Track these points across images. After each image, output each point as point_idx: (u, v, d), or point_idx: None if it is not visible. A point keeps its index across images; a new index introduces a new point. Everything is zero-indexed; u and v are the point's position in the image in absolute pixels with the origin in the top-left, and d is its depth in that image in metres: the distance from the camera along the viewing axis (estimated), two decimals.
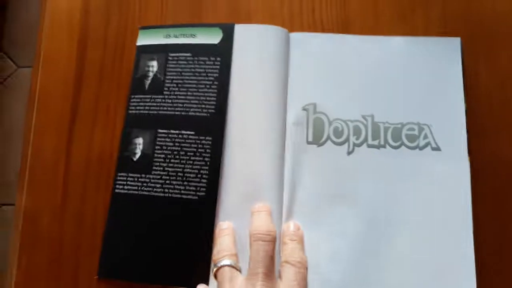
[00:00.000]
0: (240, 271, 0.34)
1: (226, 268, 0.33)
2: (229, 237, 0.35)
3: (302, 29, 0.41)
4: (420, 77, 0.38)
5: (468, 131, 0.36)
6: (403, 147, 0.37)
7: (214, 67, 0.39)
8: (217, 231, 0.36)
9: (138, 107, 0.40)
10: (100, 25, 0.43)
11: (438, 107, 0.37)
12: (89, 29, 0.43)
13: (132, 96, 0.40)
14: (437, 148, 0.36)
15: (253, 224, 0.35)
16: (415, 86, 0.38)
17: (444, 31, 0.40)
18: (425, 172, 0.36)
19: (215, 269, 0.34)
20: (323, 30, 0.41)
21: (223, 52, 0.40)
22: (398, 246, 0.34)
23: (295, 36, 0.40)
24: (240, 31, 0.40)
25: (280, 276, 0.33)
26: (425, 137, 0.36)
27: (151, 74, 0.41)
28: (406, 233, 0.35)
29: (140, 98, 0.40)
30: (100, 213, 0.38)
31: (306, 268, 0.34)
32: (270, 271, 0.32)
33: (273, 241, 0.34)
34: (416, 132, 0.37)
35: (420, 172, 0.36)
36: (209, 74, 0.39)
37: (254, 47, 0.40)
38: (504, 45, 0.39)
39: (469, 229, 0.34)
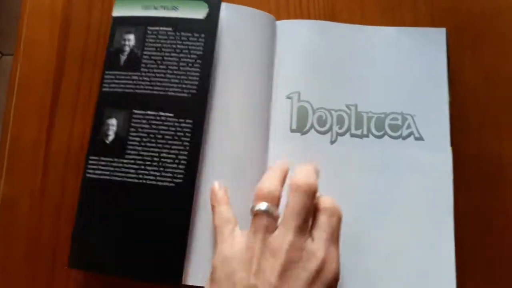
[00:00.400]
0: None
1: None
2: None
3: (288, 19, 0.40)
4: (405, 67, 0.38)
5: (452, 125, 0.36)
6: (386, 136, 0.36)
7: (197, 44, 0.36)
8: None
9: (112, 85, 0.37)
10: (83, 12, 0.42)
11: (422, 97, 0.37)
12: (72, 16, 0.41)
13: (106, 72, 0.37)
14: (420, 138, 0.36)
15: (296, 175, 0.31)
16: (400, 76, 0.38)
17: (431, 24, 0.40)
18: (408, 161, 0.36)
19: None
20: None
21: (208, 29, 0.36)
22: (379, 235, 0.34)
23: (282, 24, 0.39)
24: (227, 10, 0.37)
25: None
26: (408, 127, 0.36)
27: (127, 49, 0.37)
28: (388, 222, 0.35)
29: (115, 75, 0.37)
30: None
31: (340, 218, 0.30)
32: (305, 223, 0.30)
33: (313, 196, 0.30)
34: (399, 122, 0.37)
35: (402, 161, 0.36)
36: (191, 52, 0.36)
37: (240, 29, 0.37)
38: (490, 40, 0.40)
39: (450, 220, 0.34)
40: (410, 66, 0.38)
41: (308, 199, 0.30)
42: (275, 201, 0.30)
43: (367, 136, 0.36)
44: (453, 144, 0.36)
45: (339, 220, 0.30)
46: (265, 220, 0.29)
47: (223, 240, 0.31)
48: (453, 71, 0.38)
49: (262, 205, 0.30)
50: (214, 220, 0.33)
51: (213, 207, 0.34)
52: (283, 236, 0.29)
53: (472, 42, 0.40)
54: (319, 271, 0.28)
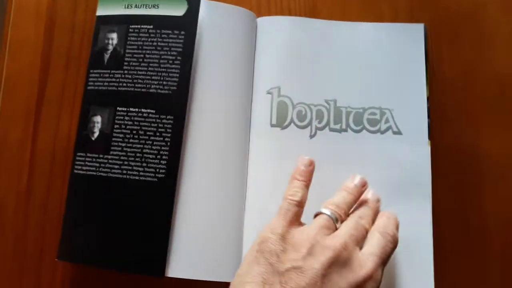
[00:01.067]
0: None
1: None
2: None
3: (269, 16, 0.41)
4: (384, 62, 0.38)
5: (430, 117, 0.37)
6: (364, 131, 0.37)
7: (177, 41, 0.37)
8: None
9: (97, 83, 0.37)
10: (67, 11, 0.42)
11: (400, 92, 0.37)
12: (56, 15, 0.42)
13: (91, 71, 0.38)
14: (398, 132, 0.36)
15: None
16: (378, 71, 0.38)
17: (410, 20, 0.40)
18: (386, 155, 0.36)
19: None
20: None
21: (187, 26, 0.37)
22: None
23: (262, 20, 0.40)
24: (206, 7, 0.38)
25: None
26: (387, 121, 0.37)
27: (110, 47, 0.38)
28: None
29: (99, 73, 0.38)
30: (66, 197, 0.37)
31: (395, 247, 0.31)
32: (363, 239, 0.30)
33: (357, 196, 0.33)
34: (377, 117, 0.37)
35: (381, 155, 0.36)
36: (172, 49, 0.37)
37: (220, 26, 0.38)
38: (468, 34, 0.40)
39: (428, 211, 0.35)
40: (389, 61, 0.38)
41: (350, 198, 0.32)
42: (339, 214, 0.31)
43: (345, 130, 0.37)
44: (430, 137, 0.36)
45: (394, 249, 0.30)
46: (326, 220, 0.30)
47: (283, 218, 0.30)
48: (431, 65, 0.39)
49: (327, 210, 0.31)
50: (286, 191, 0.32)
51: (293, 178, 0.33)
52: (338, 237, 0.29)
53: (450, 36, 0.40)
54: (362, 283, 0.28)
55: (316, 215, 0.31)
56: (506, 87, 0.39)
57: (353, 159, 0.36)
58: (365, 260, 0.29)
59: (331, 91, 0.37)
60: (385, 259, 0.30)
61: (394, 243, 0.30)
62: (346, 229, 0.30)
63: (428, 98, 0.37)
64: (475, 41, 0.40)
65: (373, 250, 0.29)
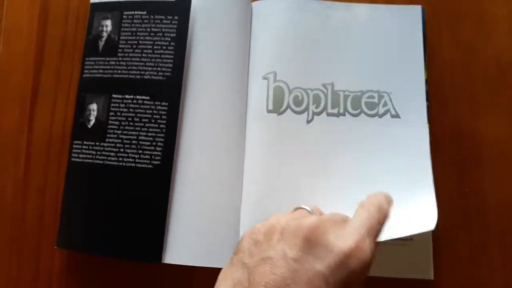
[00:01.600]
0: None
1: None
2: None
3: None
4: (382, 45, 0.37)
5: (429, 101, 0.36)
6: (362, 114, 0.36)
7: (171, 26, 0.36)
8: None
9: (92, 71, 0.37)
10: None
11: (398, 75, 0.36)
12: (51, 2, 0.42)
13: (86, 59, 0.38)
14: (397, 116, 0.36)
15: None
16: (376, 54, 0.37)
17: (410, 2, 0.39)
18: (385, 139, 0.35)
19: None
20: None
21: (180, 11, 0.36)
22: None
23: (257, 4, 0.39)
24: None
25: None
26: (385, 104, 0.36)
27: (105, 35, 0.38)
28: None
29: (94, 61, 0.37)
30: (63, 184, 0.37)
31: (383, 218, 0.27)
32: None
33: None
34: (375, 100, 0.36)
35: (379, 139, 0.35)
36: (165, 35, 0.36)
37: (215, 11, 0.37)
38: (468, 17, 0.39)
39: (432, 195, 0.33)
40: (387, 44, 0.37)
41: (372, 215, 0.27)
42: (318, 211, 0.30)
43: (343, 114, 0.36)
44: (430, 120, 0.35)
45: (382, 221, 0.27)
46: (303, 212, 0.29)
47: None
48: (430, 48, 0.38)
49: (307, 206, 0.29)
50: None
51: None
52: (313, 217, 0.26)
53: (449, 18, 0.39)
54: (344, 260, 0.24)
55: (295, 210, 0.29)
56: (507, 69, 0.38)
57: (351, 144, 0.35)
58: (345, 235, 0.25)
59: (328, 74, 0.37)
60: (372, 232, 0.26)
61: (381, 214, 0.27)
62: (324, 215, 0.28)
63: (426, 81, 0.36)
64: (475, 23, 0.39)
65: (354, 225, 0.26)
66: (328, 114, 0.36)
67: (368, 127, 0.36)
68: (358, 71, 0.37)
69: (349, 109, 0.36)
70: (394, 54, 0.37)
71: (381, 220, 0.27)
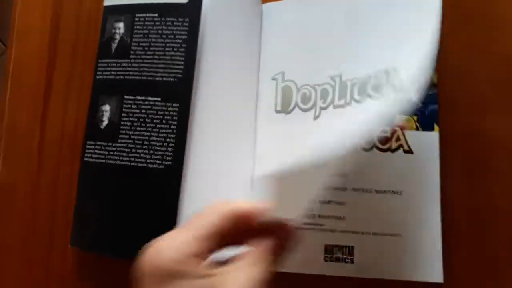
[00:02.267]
0: None
1: None
2: None
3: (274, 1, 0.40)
4: (394, 24, 0.35)
5: (438, 103, 0.36)
6: (368, 99, 0.34)
7: (182, 28, 0.37)
8: None
9: (105, 72, 0.38)
10: (73, 1, 0.42)
11: (408, 52, 0.33)
12: (63, 4, 0.42)
13: (100, 61, 0.38)
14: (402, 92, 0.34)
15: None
16: (386, 35, 0.35)
17: None
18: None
19: None
20: None
21: (191, 13, 0.37)
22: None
23: (268, 6, 0.39)
24: None
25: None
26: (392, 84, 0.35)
27: (117, 37, 0.38)
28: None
29: (107, 63, 0.38)
30: (75, 184, 0.38)
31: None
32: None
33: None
34: (383, 81, 0.34)
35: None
36: (177, 36, 0.37)
37: (225, 13, 0.38)
38: (480, 16, 0.38)
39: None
40: (399, 23, 0.34)
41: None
42: None
43: (349, 104, 0.35)
44: (439, 123, 0.35)
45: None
46: None
47: None
48: (440, 47, 0.37)
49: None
50: None
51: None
52: None
53: (461, 18, 0.39)
54: None
55: None
56: None
57: (357, 132, 0.35)
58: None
59: (335, 65, 0.36)
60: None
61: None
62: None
63: (435, 84, 0.36)
64: (487, 22, 0.38)
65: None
66: (335, 107, 0.36)
67: (374, 111, 0.34)
68: (366, 54, 0.35)
69: (355, 96, 0.35)
70: (406, 34, 0.33)
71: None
